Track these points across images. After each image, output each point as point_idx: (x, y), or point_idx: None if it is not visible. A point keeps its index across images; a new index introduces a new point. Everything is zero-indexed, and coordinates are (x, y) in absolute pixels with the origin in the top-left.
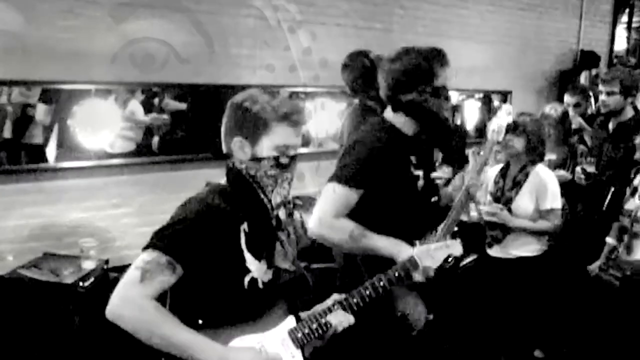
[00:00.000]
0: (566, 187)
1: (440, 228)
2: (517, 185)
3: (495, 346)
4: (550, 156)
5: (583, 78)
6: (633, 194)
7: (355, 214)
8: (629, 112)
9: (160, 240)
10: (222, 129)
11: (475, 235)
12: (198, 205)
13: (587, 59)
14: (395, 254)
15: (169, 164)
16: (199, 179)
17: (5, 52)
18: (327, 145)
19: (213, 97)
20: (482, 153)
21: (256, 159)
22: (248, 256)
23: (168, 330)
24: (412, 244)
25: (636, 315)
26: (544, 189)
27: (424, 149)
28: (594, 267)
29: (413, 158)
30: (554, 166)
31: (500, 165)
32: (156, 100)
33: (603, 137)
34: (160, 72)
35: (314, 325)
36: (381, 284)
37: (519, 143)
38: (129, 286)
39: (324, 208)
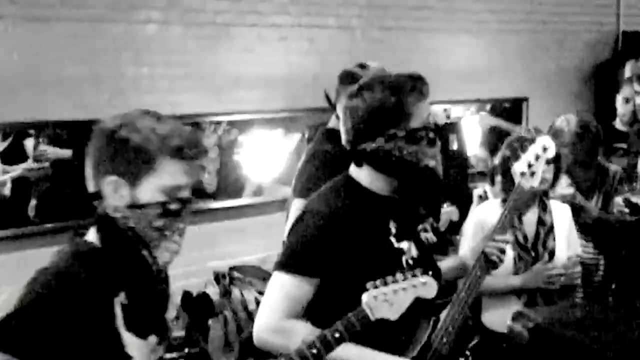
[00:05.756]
0: (599, 227)
1: (443, 318)
2: (552, 228)
3: None
4: (566, 190)
5: (628, 71)
6: None
7: (312, 307)
8: None
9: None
10: (89, 163)
11: None
12: (45, 281)
13: (632, 42)
14: None
15: (51, 235)
16: None
17: None
18: (276, 193)
19: None
20: (509, 204)
21: (137, 206)
22: (128, 336)
23: None
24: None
25: None
26: (573, 231)
27: (407, 211)
28: None
29: (392, 226)
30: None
31: (496, 201)
32: (28, 145)
33: None
34: (27, 106)
35: None
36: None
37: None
38: None
39: (271, 306)
